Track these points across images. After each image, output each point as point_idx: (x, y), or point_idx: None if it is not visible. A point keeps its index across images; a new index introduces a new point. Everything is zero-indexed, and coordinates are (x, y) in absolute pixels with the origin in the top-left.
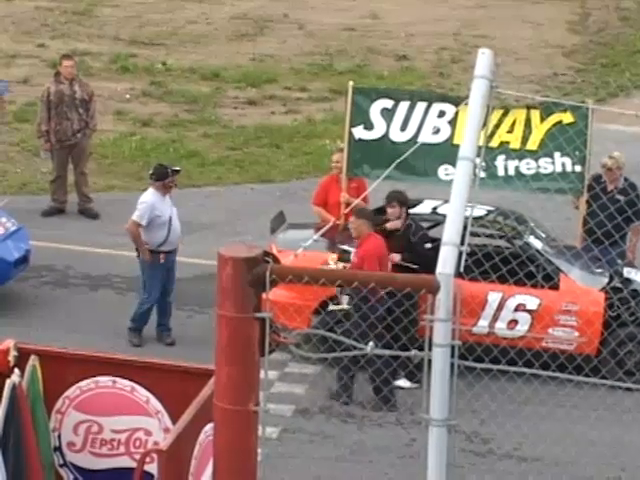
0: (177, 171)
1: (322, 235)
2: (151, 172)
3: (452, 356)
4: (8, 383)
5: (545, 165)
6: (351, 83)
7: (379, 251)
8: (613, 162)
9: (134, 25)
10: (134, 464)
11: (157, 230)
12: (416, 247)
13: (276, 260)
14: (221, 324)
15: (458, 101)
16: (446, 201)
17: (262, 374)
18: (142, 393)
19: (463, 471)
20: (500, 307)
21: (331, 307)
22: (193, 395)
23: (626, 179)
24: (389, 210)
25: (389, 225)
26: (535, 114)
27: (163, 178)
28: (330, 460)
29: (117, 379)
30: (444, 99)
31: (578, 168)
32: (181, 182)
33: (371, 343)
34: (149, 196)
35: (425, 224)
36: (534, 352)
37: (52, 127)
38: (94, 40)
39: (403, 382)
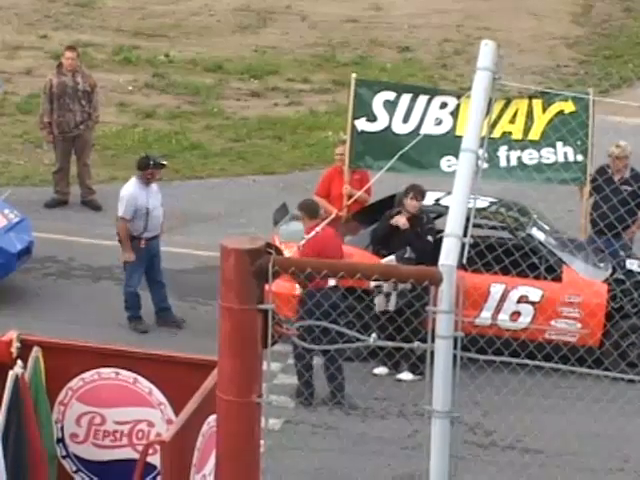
0: (162, 165)
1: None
2: (137, 161)
3: (455, 348)
4: (11, 374)
5: (547, 155)
6: (354, 75)
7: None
8: (620, 151)
9: (137, 17)
10: (137, 456)
11: (137, 220)
12: (420, 237)
13: (279, 252)
14: (224, 316)
15: (460, 94)
16: (449, 193)
17: (265, 366)
18: (145, 384)
19: (465, 463)
20: (503, 299)
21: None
22: (196, 386)
23: (633, 170)
24: (408, 202)
25: (393, 221)
26: (537, 104)
27: (144, 168)
28: (333, 451)
29: (120, 370)
30: (445, 93)
31: (580, 158)
32: (184, 174)
33: (374, 335)
34: (130, 187)
35: None
36: (537, 344)
37: (55, 119)
38: (97, 31)
39: (405, 375)
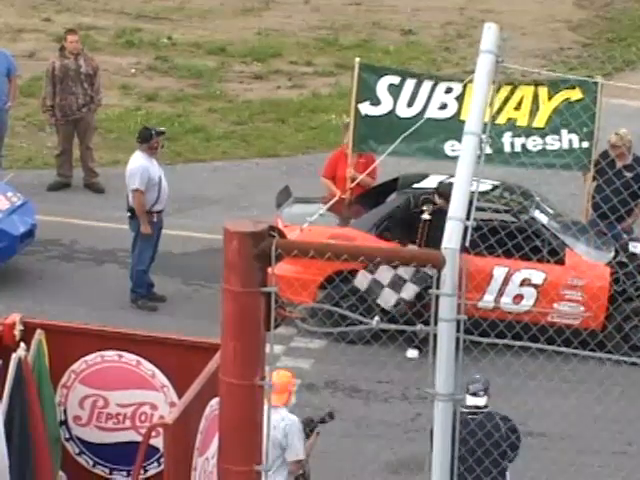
0: (162, 132)
1: (328, 209)
2: (137, 135)
3: (458, 331)
4: (14, 357)
5: (552, 142)
6: (357, 59)
7: None
8: (617, 139)
9: None
10: (140, 438)
11: (150, 192)
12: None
13: (282, 235)
14: (227, 298)
15: (464, 79)
16: (452, 176)
17: (268, 348)
18: (148, 367)
19: None
20: (506, 282)
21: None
22: (199, 369)
23: (635, 155)
24: (437, 200)
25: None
26: (543, 91)
27: (148, 140)
28: (335, 435)
29: (123, 353)
30: (450, 79)
31: (585, 144)
32: (187, 157)
33: (377, 317)
34: (139, 160)
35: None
36: (540, 327)
37: (57, 102)
38: (100, 14)
39: (411, 353)
